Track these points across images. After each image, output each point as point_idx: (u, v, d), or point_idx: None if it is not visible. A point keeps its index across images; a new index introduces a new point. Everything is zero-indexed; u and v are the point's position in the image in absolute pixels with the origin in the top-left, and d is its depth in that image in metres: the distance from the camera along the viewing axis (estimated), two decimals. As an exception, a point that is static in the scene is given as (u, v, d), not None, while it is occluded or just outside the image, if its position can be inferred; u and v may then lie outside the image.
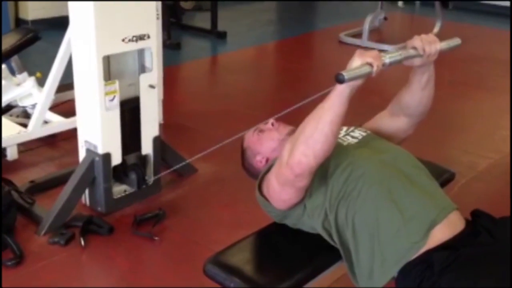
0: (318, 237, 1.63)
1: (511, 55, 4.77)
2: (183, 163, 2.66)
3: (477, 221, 1.59)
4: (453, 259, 1.42)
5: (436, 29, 5.91)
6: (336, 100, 1.44)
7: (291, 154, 1.49)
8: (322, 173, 1.61)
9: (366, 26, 5.45)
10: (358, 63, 1.43)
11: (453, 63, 5.20)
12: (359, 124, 1.88)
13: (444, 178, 2.02)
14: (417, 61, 1.63)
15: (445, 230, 1.51)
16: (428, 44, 1.59)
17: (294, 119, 1.64)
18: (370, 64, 1.42)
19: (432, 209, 1.53)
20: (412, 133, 1.86)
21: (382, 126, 1.85)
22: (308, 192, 1.60)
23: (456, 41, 1.74)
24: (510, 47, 5.03)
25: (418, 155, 1.75)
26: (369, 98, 4.12)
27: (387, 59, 1.48)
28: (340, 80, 1.40)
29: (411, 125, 1.83)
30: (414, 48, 1.59)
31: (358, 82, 1.42)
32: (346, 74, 1.39)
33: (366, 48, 1.49)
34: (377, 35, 5.83)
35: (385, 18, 6.10)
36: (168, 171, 2.62)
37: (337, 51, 5.41)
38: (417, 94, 1.74)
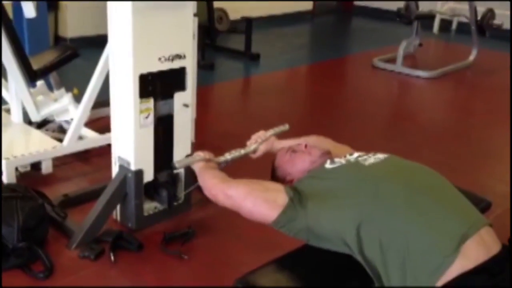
0: (349, 260, 1.60)
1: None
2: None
3: None
4: (490, 286, 1.39)
5: (472, 57, 5.88)
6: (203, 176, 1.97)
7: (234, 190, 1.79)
8: (342, 193, 1.60)
9: (400, 52, 5.42)
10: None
11: (488, 92, 5.14)
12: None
13: (480, 207, 1.97)
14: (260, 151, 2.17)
15: (478, 247, 1.47)
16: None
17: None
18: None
19: (462, 222, 1.51)
20: None
21: None
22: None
23: (283, 127, 2.23)
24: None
25: (453, 183, 1.72)
26: (401, 123, 4.12)
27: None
28: (172, 167, 2.14)
29: None
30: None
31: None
32: (177, 162, 2.08)
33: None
34: (412, 61, 5.79)
35: (420, 44, 6.07)
36: (195, 185, 2.61)
37: (370, 76, 5.35)
38: None
